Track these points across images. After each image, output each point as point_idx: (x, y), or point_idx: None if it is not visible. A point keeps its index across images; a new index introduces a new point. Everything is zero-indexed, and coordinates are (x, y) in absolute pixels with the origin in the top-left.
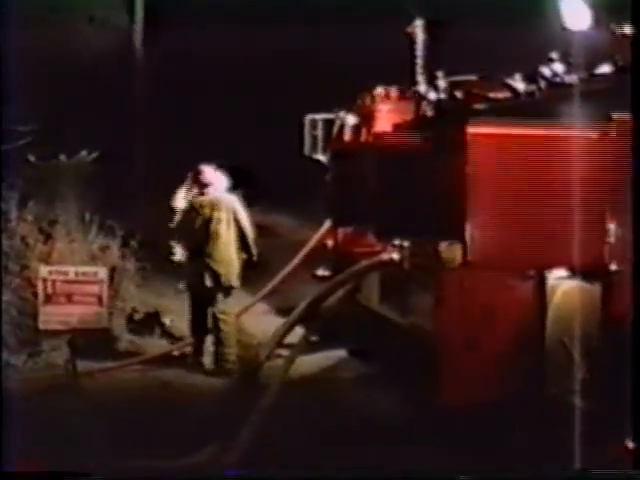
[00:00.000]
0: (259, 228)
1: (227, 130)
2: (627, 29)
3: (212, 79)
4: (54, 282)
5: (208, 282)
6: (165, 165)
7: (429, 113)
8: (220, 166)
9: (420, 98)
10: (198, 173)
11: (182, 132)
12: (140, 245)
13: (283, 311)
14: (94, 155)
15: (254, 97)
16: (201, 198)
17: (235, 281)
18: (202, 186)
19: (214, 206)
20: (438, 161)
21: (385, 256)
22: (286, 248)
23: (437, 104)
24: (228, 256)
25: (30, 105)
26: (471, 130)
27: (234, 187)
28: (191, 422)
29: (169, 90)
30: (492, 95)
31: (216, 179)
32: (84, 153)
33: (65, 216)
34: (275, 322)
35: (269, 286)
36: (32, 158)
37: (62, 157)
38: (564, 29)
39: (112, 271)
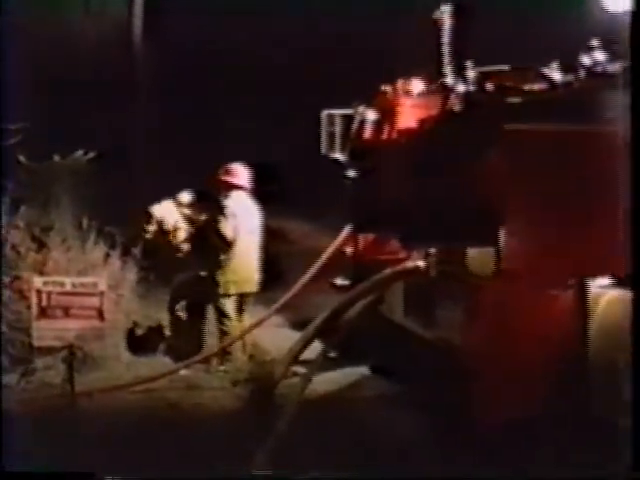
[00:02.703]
0: (271, 233)
1: (235, 127)
2: None
3: (217, 73)
4: (49, 294)
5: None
6: (169, 165)
7: (457, 107)
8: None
9: (447, 91)
10: (229, 173)
11: (187, 129)
12: (143, 253)
13: (299, 324)
14: (91, 155)
15: (264, 91)
16: (202, 210)
17: (251, 288)
18: (229, 187)
19: (226, 210)
20: (468, 160)
21: (410, 264)
22: (301, 255)
23: (466, 97)
24: (240, 263)
25: (21, 101)
26: (505, 126)
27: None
28: (200, 446)
29: (172, 85)
30: (527, 87)
31: (246, 180)
32: (80, 153)
33: (60, 222)
34: (290, 337)
35: (285, 297)
36: (23, 159)
37: (56, 157)
38: (606, 12)
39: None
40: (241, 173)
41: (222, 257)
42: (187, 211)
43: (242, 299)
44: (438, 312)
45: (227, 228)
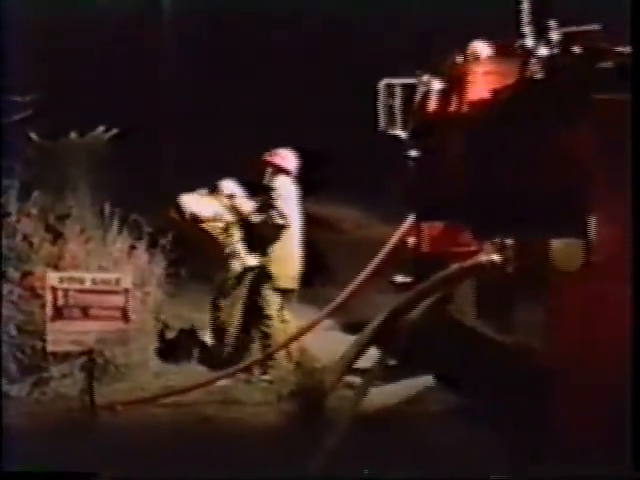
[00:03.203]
0: (319, 222)
1: (275, 100)
2: None
3: (257, 39)
4: (66, 292)
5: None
6: (200, 144)
7: (538, 75)
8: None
9: (526, 55)
10: (276, 156)
11: (220, 104)
12: (173, 245)
13: (352, 327)
14: (113, 132)
15: (311, 59)
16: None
17: (294, 283)
18: (276, 170)
19: (278, 192)
20: (551, 136)
21: (483, 258)
22: (353, 248)
23: (549, 62)
24: (284, 254)
25: (32, 70)
26: (595, 96)
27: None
28: (239, 468)
29: (204, 53)
30: (620, 49)
31: (293, 165)
32: (101, 129)
33: (78, 209)
34: (343, 341)
35: (342, 296)
36: (35, 136)
37: (73, 134)
38: None
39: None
40: (289, 157)
41: (273, 247)
42: (228, 201)
43: (284, 296)
44: (515, 313)
45: (284, 208)
